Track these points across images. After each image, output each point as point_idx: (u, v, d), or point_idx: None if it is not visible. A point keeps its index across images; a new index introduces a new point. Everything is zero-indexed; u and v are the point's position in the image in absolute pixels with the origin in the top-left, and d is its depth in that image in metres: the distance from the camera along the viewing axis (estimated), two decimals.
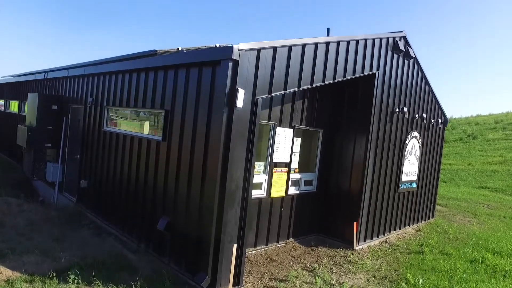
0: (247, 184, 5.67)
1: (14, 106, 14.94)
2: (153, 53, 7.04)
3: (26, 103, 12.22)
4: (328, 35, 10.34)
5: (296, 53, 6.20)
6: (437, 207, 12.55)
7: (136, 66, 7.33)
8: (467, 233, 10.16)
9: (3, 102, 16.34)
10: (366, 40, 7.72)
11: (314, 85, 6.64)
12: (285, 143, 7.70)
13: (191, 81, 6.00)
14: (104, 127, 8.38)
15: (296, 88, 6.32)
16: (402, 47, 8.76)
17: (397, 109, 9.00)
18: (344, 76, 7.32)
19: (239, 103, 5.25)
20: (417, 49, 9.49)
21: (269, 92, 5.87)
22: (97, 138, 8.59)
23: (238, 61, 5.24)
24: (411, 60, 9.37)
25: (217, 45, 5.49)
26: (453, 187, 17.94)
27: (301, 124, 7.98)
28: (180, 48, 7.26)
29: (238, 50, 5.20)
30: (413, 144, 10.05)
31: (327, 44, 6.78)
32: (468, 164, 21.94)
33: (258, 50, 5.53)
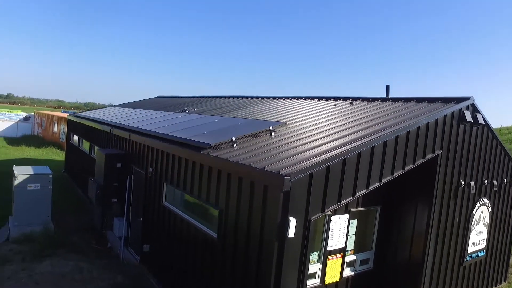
0: None
1: (86, 146, 16.15)
2: (207, 146, 7.19)
3: (95, 152, 13.17)
4: (387, 93, 9.90)
5: (351, 163, 5.98)
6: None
7: (189, 156, 7.54)
8: None
9: (78, 139, 17.71)
10: (428, 124, 7.23)
11: (370, 188, 6.39)
12: (340, 229, 7.52)
13: (244, 190, 6.05)
14: (163, 201, 8.77)
15: (350, 198, 6.14)
16: (469, 117, 8.08)
17: (463, 182, 8.38)
18: (403, 168, 6.94)
19: (291, 233, 5.20)
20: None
21: (322, 210, 5.75)
22: (157, 209, 9.02)
23: (289, 191, 5.19)
24: (479, 126, 8.64)
25: (267, 169, 5.38)
26: None
27: (357, 207, 7.74)
28: (233, 139, 7.34)
29: (290, 181, 5.14)
30: (481, 212, 9.31)
31: (385, 143, 6.46)
32: None
33: (311, 174, 5.42)
